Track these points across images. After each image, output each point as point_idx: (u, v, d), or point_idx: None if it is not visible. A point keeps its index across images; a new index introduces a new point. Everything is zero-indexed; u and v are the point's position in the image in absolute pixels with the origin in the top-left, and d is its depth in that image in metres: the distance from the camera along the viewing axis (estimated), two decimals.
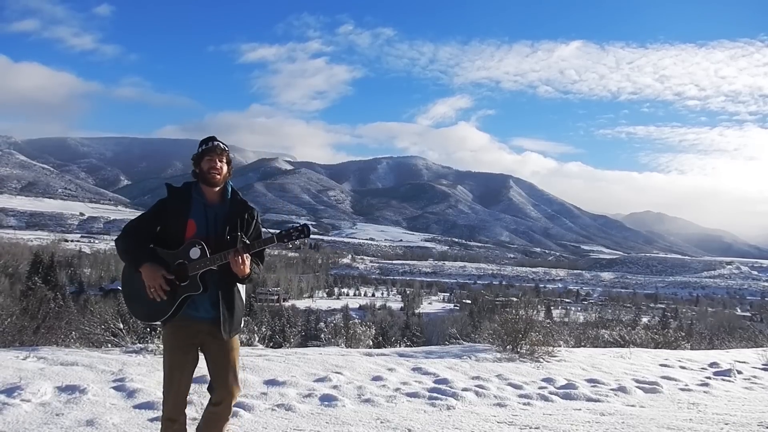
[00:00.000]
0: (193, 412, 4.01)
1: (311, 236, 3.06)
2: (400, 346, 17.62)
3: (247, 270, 2.79)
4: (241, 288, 2.99)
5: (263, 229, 3.01)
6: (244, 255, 2.75)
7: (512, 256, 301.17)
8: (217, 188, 2.93)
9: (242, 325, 3.08)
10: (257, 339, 10.76)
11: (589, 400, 5.91)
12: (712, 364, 9.01)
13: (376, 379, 6.13)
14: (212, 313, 2.86)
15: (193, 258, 2.78)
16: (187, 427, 3.00)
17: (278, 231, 2.83)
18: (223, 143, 2.93)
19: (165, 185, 3.01)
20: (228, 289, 2.88)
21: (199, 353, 2.98)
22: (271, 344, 12.31)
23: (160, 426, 3.94)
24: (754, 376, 8.23)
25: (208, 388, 3.00)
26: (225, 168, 2.93)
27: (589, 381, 6.93)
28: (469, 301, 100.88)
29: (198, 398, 4.42)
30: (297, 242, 2.92)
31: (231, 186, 3.01)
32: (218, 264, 2.78)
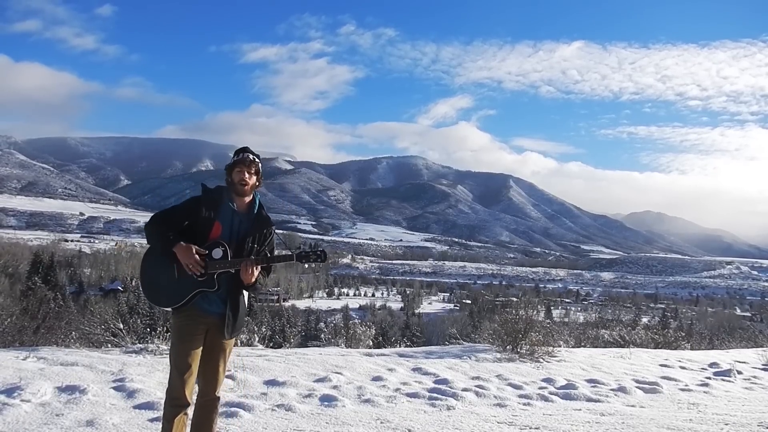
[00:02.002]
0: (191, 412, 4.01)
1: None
2: (400, 346, 17.62)
3: (253, 280, 2.99)
4: (245, 293, 3.17)
5: (277, 240, 3.23)
6: (255, 267, 2.96)
7: (512, 256, 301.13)
8: (247, 198, 3.13)
9: (243, 327, 3.23)
10: (257, 339, 10.77)
11: (589, 400, 5.91)
12: (712, 365, 9.01)
13: (376, 379, 6.13)
14: (222, 309, 3.05)
15: (215, 258, 2.97)
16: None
17: (299, 251, 3.08)
18: (253, 155, 3.13)
19: (201, 185, 3.21)
20: (236, 293, 3.07)
21: None
22: (271, 344, 12.33)
23: (161, 422, 3.96)
24: (754, 376, 8.24)
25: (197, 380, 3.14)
26: (254, 179, 3.12)
27: (589, 381, 6.93)
28: (469, 301, 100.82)
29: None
30: (313, 264, 3.14)
31: (259, 200, 3.21)
32: (236, 268, 2.97)
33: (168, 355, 6.41)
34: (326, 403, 4.95)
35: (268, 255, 3.07)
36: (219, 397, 3.17)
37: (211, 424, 3.14)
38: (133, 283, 57.38)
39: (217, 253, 2.97)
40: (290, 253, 3.04)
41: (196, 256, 2.94)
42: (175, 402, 2.97)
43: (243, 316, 3.18)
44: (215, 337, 3.07)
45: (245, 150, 3.15)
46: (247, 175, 3.08)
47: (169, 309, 3.11)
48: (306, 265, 3.11)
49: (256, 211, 3.16)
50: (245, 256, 3.01)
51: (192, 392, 3.04)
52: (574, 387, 6.38)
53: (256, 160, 3.14)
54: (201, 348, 3.05)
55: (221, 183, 3.22)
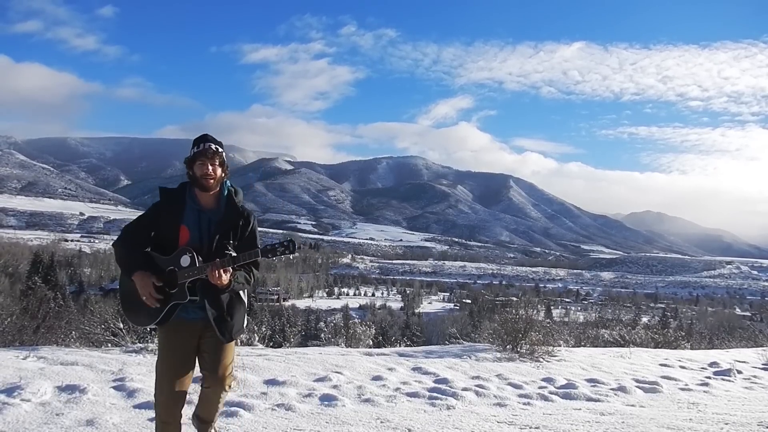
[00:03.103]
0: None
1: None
2: (400, 346, 17.61)
3: (224, 282, 2.69)
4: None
5: (260, 230, 2.98)
6: (222, 269, 2.66)
7: (512, 255, 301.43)
8: (212, 191, 2.83)
9: (244, 325, 3.02)
10: (257, 339, 10.76)
11: (589, 399, 5.90)
12: (712, 364, 9.00)
13: (376, 378, 6.13)
14: (202, 314, 2.83)
15: (183, 266, 2.74)
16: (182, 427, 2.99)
17: (264, 246, 2.77)
18: (215, 144, 2.80)
19: (158, 189, 2.93)
20: (215, 296, 2.80)
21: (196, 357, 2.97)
22: (271, 344, 12.30)
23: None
24: (754, 376, 8.23)
25: (201, 375, 3.01)
26: (219, 171, 2.80)
27: (589, 381, 6.92)
28: (469, 301, 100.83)
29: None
30: (282, 257, 2.91)
31: (229, 188, 2.89)
32: (205, 274, 2.71)
33: None
34: (326, 402, 4.94)
35: (233, 255, 2.70)
36: (222, 394, 2.97)
37: (218, 401, 2.99)
38: None
39: (185, 260, 2.73)
40: (255, 249, 2.73)
41: (153, 287, 2.72)
42: (160, 418, 2.84)
43: (241, 316, 2.91)
44: (207, 340, 2.86)
45: (206, 139, 2.80)
46: (211, 168, 2.76)
47: (150, 326, 2.92)
48: (275, 259, 2.90)
49: (224, 204, 2.85)
50: (219, 257, 2.72)
51: (178, 409, 2.85)
52: (574, 386, 6.38)
53: (220, 150, 2.80)
54: (190, 362, 2.87)
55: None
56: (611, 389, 6.47)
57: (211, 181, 2.77)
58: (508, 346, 8.64)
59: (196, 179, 2.78)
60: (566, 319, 69.19)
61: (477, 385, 6.06)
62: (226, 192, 2.87)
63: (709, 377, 7.84)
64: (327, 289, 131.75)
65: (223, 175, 2.84)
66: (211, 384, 2.95)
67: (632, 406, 5.70)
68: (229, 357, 2.96)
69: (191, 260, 2.73)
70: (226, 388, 3.00)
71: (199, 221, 2.81)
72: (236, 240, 2.80)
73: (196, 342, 2.87)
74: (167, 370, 2.80)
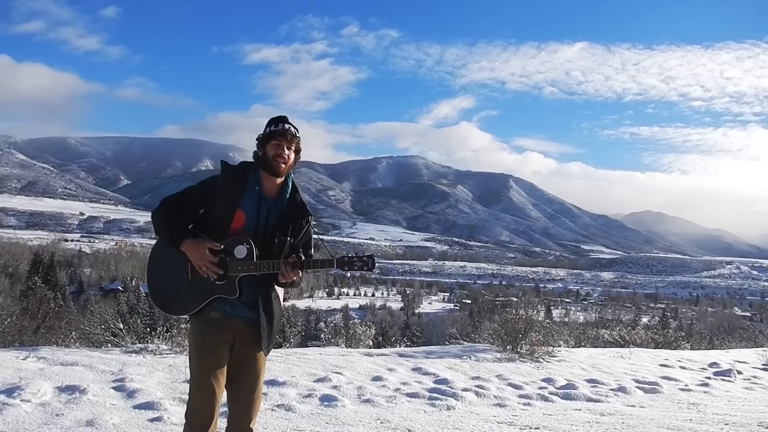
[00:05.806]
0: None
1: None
2: (400, 346, 17.64)
3: (293, 279, 2.41)
4: (279, 291, 2.56)
5: (314, 236, 2.63)
6: (293, 270, 2.36)
7: (512, 255, 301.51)
8: (279, 180, 2.48)
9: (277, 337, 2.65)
10: None
11: (589, 400, 5.90)
12: (712, 364, 9.01)
13: (376, 379, 6.13)
14: (249, 314, 2.44)
15: (237, 257, 2.37)
16: None
17: (340, 255, 2.48)
18: (294, 127, 2.48)
19: (220, 162, 2.56)
20: (268, 297, 2.45)
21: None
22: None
23: (161, 422, 3.94)
24: (754, 376, 8.23)
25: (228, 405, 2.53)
26: (292, 157, 2.48)
27: (589, 381, 6.92)
28: (469, 301, 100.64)
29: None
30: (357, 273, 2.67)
31: (293, 181, 2.56)
32: (262, 272, 2.37)
33: (168, 356, 6.42)
34: (326, 403, 4.94)
35: (302, 257, 2.39)
36: (252, 430, 2.48)
37: None
38: (133, 283, 57.40)
39: (241, 251, 2.36)
40: (330, 257, 2.43)
41: (210, 255, 2.34)
42: (194, 430, 2.39)
43: (279, 322, 2.50)
44: (246, 349, 2.44)
45: (284, 120, 2.47)
46: (286, 151, 2.42)
47: (184, 317, 2.55)
48: (349, 273, 2.62)
49: (288, 197, 2.50)
50: (275, 254, 2.39)
51: (217, 416, 2.42)
52: (574, 387, 6.38)
53: (298, 134, 2.48)
54: (226, 362, 2.43)
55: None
56: (611, 390, 6.47)
57: (283, 165, 2.44)
58: (508, 347, 8.64)
59: (266, 160, 2.44)
60: (566, 320, 68.99)
61: (477, 386, 6.07)
62: (291, 184, 2.55)
63: (709, 378, 7.84)
64: (327, 290, 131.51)
65: (294, 164, 2.53)
66: (240, 421, 2.46)
67: (632, 406, 5.70)
68: (261, 382, 2.54)
69: (248, 253, 2.37)
70: (253, 427, 2.50)
71: (259, 208, 2.45)
72: (292, 238, 2.47)
73: (231, 341, 2.45)
74: (203, 370, 2.38)
